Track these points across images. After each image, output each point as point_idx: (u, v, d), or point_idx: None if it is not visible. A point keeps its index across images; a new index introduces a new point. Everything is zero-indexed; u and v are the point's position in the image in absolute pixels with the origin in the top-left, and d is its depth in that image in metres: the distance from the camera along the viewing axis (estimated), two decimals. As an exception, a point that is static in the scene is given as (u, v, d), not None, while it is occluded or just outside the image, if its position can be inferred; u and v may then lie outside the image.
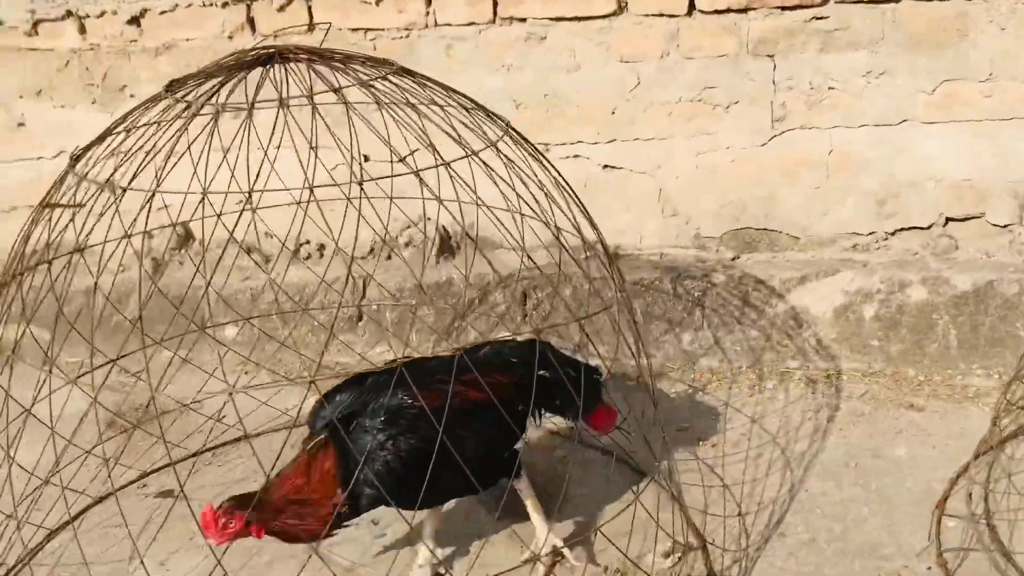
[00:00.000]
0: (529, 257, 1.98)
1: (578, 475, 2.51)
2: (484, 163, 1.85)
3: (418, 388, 1.84)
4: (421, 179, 1.76)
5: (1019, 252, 3.08)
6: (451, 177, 1.78)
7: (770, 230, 3.27)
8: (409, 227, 3.40)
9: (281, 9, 3.31)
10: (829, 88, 3.07)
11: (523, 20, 3.18)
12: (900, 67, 3.01)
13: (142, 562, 1.95)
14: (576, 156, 3.32)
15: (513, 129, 1.97)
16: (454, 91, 1.95)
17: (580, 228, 2.04)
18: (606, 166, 3.31)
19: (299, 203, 1.86)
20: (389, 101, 1.85)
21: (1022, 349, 2.82)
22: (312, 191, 1.68)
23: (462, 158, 1.77)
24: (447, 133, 1.81)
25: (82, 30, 3.43)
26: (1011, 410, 2.27)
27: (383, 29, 3.28)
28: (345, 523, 2.00)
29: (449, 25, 3.23)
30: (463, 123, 1.90)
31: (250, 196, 1.69)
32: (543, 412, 2.24)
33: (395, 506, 1.93)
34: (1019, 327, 2.89)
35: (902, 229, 3.19)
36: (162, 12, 3.37)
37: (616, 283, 2.08)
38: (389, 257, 3.48)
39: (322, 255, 3.51)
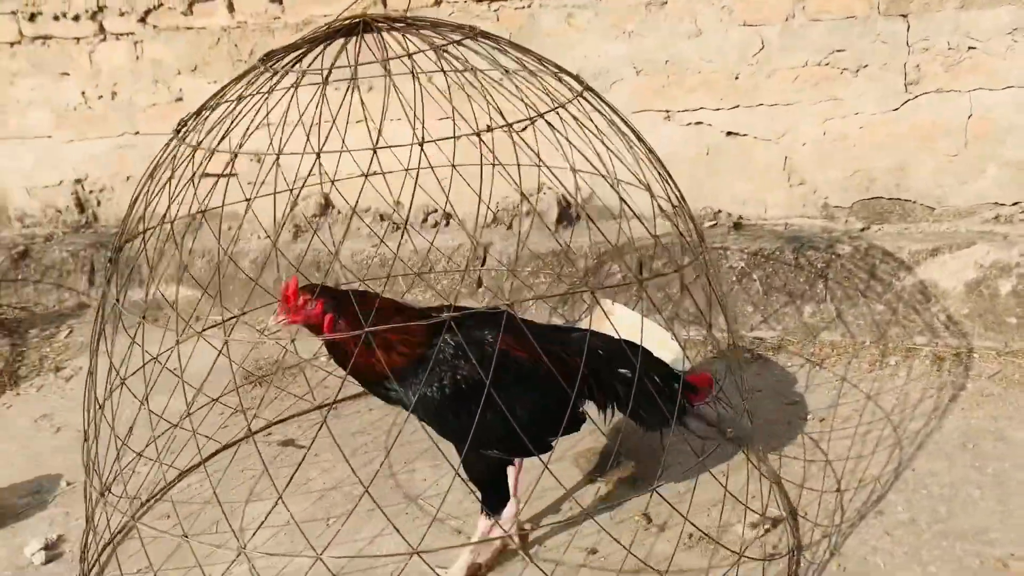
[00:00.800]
0: (644, 225, 1.95)
1: (678, 442, 2.49)
2: (575, 119, 1.85)
3: (511, 336, 1.89)
4: (521, 143, 1.76)
5: None
6: (559, 145, 1.78)
7: (903, 200, 3.11)
8: (531, 195, 3.44)
9: (411, -18, 3.41)
10: (969, 48, 2.89)
11: (650, -15, 3.15)
12: (1051, 23, 2.79)
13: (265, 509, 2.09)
14: (699, 123, 3.26)
15: (591, 91, 1.95)
16: (534, 54, 1.96)
17: (673, 195, 2.01)
18: (729, 133, 3.24)
19: (407, 170, 1.93)
20: (475, 68, 1.88)
21: None
22: (424, 153, 1.70)
23: (529, 121, 1.77)
24: (522, 100, 1.82)
25: (231, 8, 3.66)
26: None
27: (506, 0, 3.32)
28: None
29: (573, -7, 3.25)
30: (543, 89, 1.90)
31: (375, 153, 1.72)
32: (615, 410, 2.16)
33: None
34: None
35: (1056, 201, 2.97)
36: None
37: (700, 247, 2.04)
38: (509, 227, 3.54)
39: (447, 223, 3.62)
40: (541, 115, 1.77)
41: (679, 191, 2.02)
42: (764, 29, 3.07)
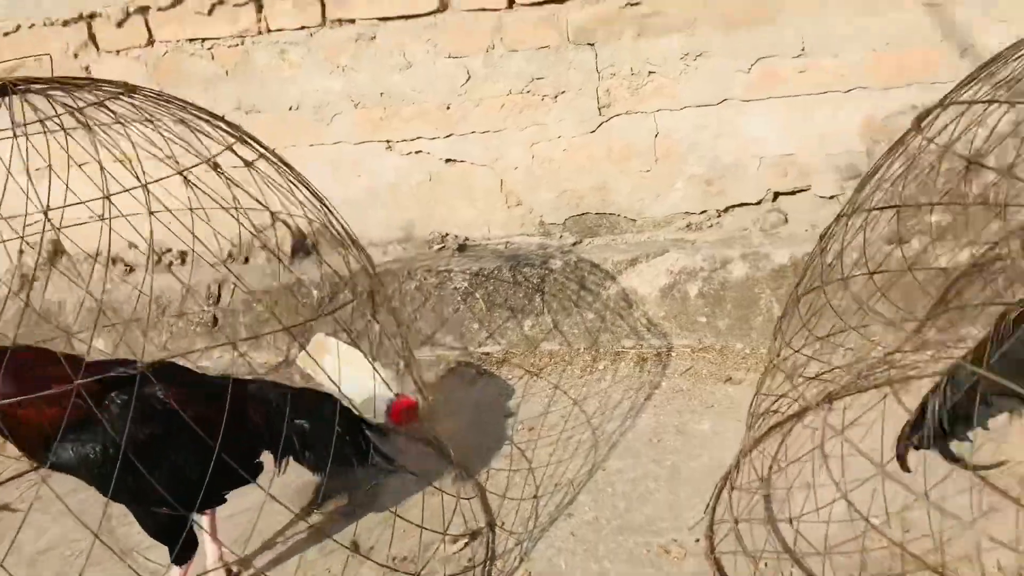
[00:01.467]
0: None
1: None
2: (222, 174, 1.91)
3: (183, 390, 1.92)
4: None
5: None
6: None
7: (609, 214, 3.35)
8: (263, 231, 3.47)
9: (119, 25, 3.36)
10: (650, 73, 3.14)
11: (352, 21, 3.24)
12: (716, 48, 3.08)
13: None
14: (419, 152, 3.39)
15: (247, 136, 2.01)
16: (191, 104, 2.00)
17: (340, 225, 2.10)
18: (448, 160, 3.38)
19: (101, 217, 1.93)
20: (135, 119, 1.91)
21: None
22: (110, 201, 1.71)
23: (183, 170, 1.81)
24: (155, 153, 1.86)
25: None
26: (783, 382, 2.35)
27: (219, 38, 3.33)
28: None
29: (281, 30, 3.29)
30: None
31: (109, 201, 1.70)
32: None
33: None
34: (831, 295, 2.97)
35: (733, 206, 3.27)
36: (5, 33, 3.43)
37: (374, 278, 2.14)
38: (247, 261, 3.56)
39: (183, 262, 3.59)
40: (187, 169, 1.81)
41: (344, 224, 2.12)
42: (468, 60, 3.22)
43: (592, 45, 3.14)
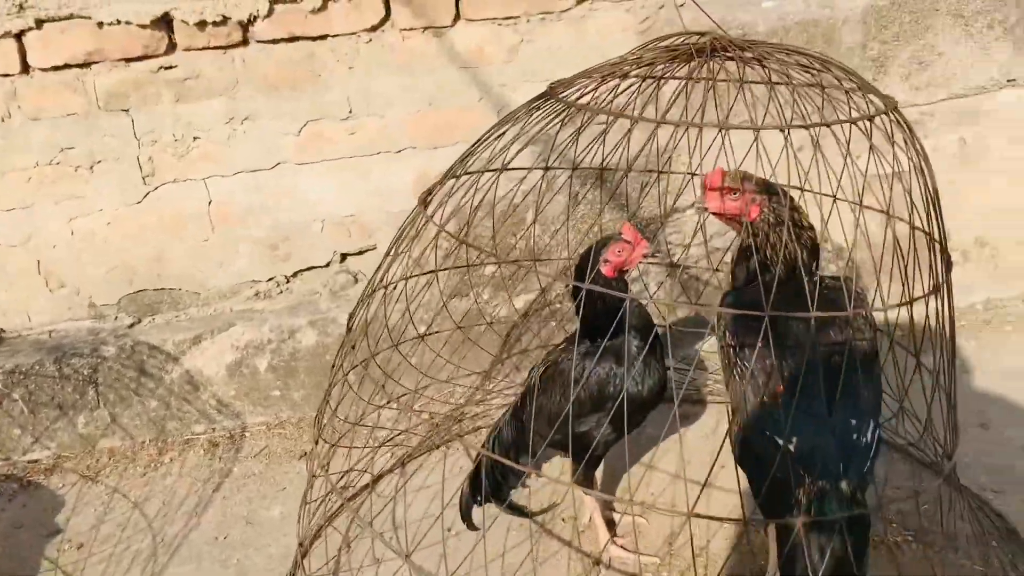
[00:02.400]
0: None
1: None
2: None
3: None
4: None
5: (413, 278, 3.20)
6: None
7: (169, 289, 3.11)
8: None
9: None
10: (195, 138, 2.96)
11: None
12: (263, 111, 2.97)
13: None
14: (-71, 236, 2.92)
15: None
16: None
17: None
18: (-28, 242, 2.95)
19: None
20: None
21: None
22: None
23: None
24: None
25: None
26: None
27: None
28: None
29: None
30: None
31: None
32: None
33: None
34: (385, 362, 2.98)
35: (302, 270, 3.18)
36: None
37: None
38: None
39: None
40: None
41: None
42: (-20, 131, 2.83)
43: (127, 111, 2.90)
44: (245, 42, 2.90)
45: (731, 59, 1.74)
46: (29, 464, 2.83)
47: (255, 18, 2.85)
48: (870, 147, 1.64)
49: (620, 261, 2.06)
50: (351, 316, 2.20)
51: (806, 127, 1.64)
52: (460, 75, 3.07)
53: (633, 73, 1.82)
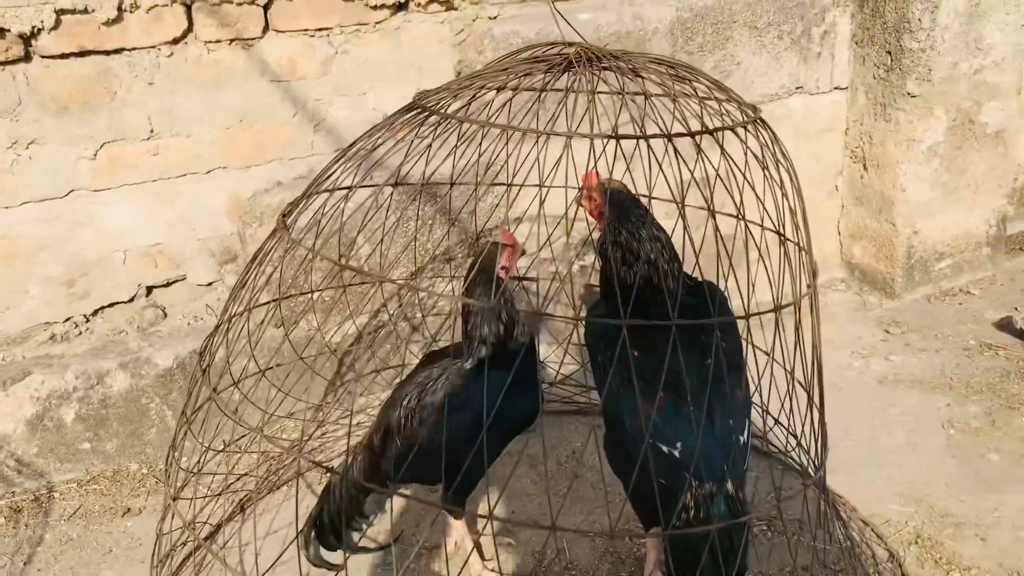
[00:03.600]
0: None
1: None
2: None
3: None
4: None
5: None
6: None
7: (-57, 339, 2.73)
8: None
9: None
10: (-30, 166, 2.62)
11: None
12: (51, 134, 2.67)
13: None
14: None
15: None
16: None
17: None
18: None
19: None
20: None
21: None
22: None
23: None
24: None
25: None
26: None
27: None
28: None
29: None
30: None
31: None
32: None
33: None
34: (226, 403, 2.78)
35: (103, 307, 2.88)
36: None
37: None
38: None
39: None
40: None
41: None
42: None
43: None
44: (27, 57, 2.59)
45: (608, 69, 1.73)
46: None
47: (39, 31, 2.56)
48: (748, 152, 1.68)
49: (509, 266, 2.01)
50: (203, 349, 2.00)
51: (692, 134, 1.66)
52: (272, 89, 2.90)
53: (509, 85, 1.77)
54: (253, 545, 1.99)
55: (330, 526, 2.10)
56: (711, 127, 1.70)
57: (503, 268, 1.96)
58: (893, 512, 2.37)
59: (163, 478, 2.59)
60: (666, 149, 1.68)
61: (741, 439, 1.79)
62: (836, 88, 3.53)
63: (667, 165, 1.76)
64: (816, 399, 1.85)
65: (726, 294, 1.89)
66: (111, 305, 2.90)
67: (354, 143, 1.92)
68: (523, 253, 2.05)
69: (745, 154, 1.75)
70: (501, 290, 1.94)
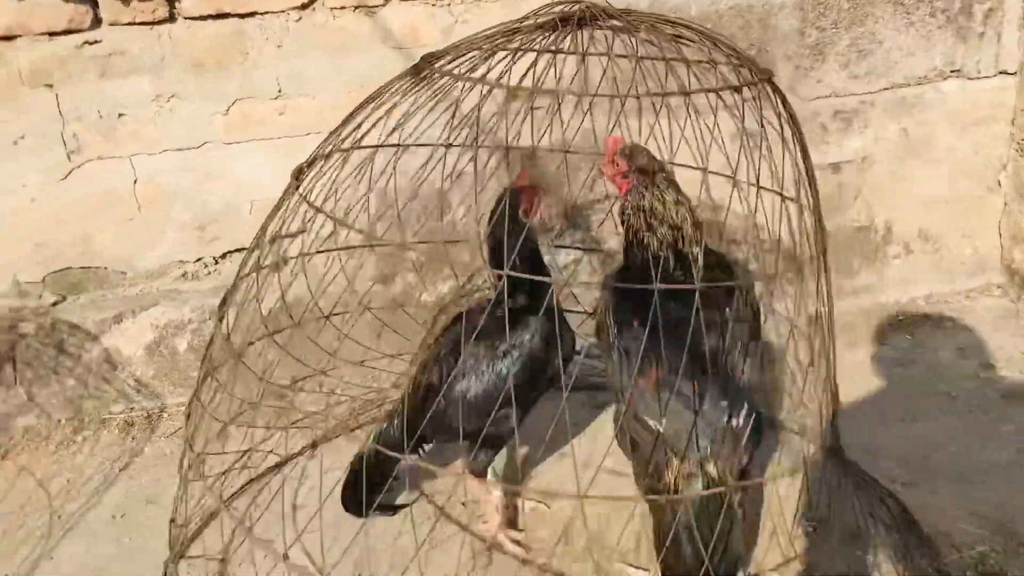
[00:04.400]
0: None
1: None
2: None
3: None
4: None
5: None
6: None
7: (95, 268, 3.07)
8: None
9: None
10: (120, 116, 2.92)
11: None
12: (190, 90, 2.93)
13: None
14: None
15: None
16: None
17: None
18: None
19: None
20: None
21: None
22: None
23: None
24: None
25: None
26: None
27: None
28: None
29: None
30: None
31: None
32: None
33: None
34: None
35: (230, 252, 3.14)
36: None
37: None
38: None
39: None
40: None
41: None
42: (-99, 104, 2.81)
43: (51, 87, 2.86)
44: (172, 18, 2.86)
45: (619, 28, 1.70)
46: None
47: (181, -7, 2.82)
48: (743, 116, 1.60)
49: (531, 207, 2.01)
50: (224, 301, 2.16)
51: (682, 94, 1.60)
52: (394, 56, 3.02)
53: (512, 46, 1.77)
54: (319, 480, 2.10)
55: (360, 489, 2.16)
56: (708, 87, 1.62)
57: (524, 210, 1.96)
58: (963, 533, 2.15)
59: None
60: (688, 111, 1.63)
61: (735, 422, 1.70)
62: (1002, 72, 3.19)
63: (688, 131, 1.71)
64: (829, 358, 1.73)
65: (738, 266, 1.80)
66: (238, 250, 3.15)
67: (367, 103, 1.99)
68: (543, 192, 2.03)
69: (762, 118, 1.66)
70: (524, 231, 1.94)
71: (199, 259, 3.12)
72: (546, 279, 1.90)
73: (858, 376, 2.89)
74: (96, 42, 2.84)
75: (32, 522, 2.39)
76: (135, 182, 3.00)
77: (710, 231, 1.87)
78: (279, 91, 2.99)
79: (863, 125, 3.11)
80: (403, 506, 2.32)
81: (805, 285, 1.69)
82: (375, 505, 2.09)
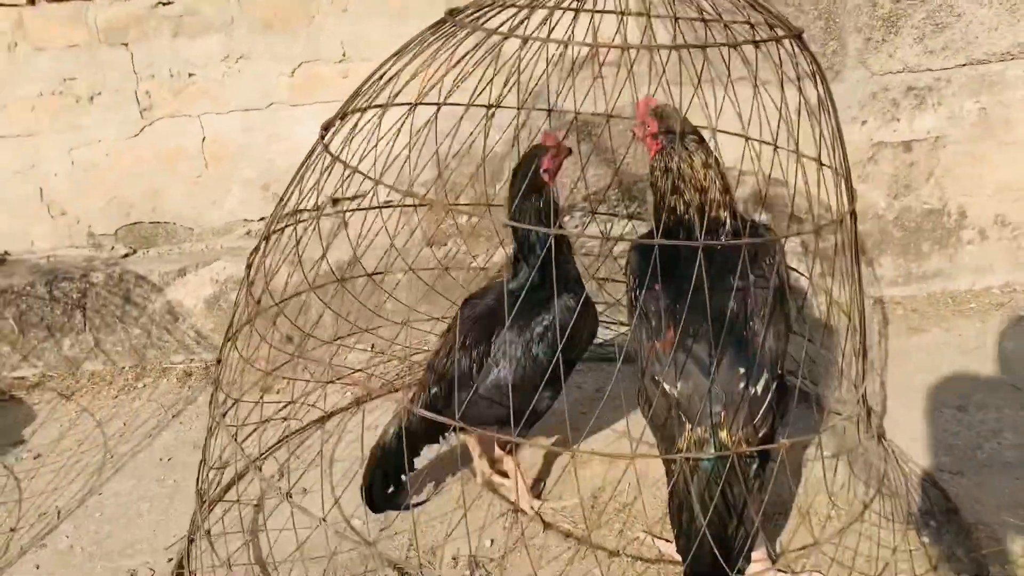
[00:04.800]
0: None
1: None
2: None
3: None
4: None
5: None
6: None
7: (164, 223, 3.18)
8: None
9: None
10: (190, 75, 3.02)
11: None
12: (258, 50, 3.01)
13: None
14: (-59, 158, 3.06)
15: None
16: None
17: None
18: (-23, 167, 3.08)
19: None
20: None
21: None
22: None
23: None
24: None
25: None
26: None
27: None
28: None
29: None
30: None
31: None
32: None
33: None
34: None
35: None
36: None
37: None
38: None
39: None
40: None
41: None
42: (-12, 58, 2.95)
43: (126, 45, 2.97)
44: (241, -21, 2.94)
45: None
46: (15, 380, 2.95)
47: (250, -47, 2.88)
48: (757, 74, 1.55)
49: (554, 166, 2.00)
50: (255, 251, 2.20)
51: (702, 47, 1.56)
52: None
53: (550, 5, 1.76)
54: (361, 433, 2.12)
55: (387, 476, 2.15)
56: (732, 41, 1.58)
57: (546, 171, 1.95)
58: (1004, 525, 2.06)
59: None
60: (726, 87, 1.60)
61: (754, 390, 1.66)
62: (1093, 51, 3.02)
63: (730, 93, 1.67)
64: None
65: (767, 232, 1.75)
66: (301, 211, 3.22)
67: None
68: (568, 153, 2.02)
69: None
70: (545, 195, 1.94)
71: (263, 218, 3.20)
72: (560, 231, 1.90)
73: (920, 361, 2.79)
74: (170, 2, 2.93)
75: (87, 459, 2.50)
76: (203, 140, 3.10)
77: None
78: (343, 55, 3.04)
79: (937, 102, 2.98)
80: (422, 502, 2.28)
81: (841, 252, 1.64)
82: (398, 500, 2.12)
